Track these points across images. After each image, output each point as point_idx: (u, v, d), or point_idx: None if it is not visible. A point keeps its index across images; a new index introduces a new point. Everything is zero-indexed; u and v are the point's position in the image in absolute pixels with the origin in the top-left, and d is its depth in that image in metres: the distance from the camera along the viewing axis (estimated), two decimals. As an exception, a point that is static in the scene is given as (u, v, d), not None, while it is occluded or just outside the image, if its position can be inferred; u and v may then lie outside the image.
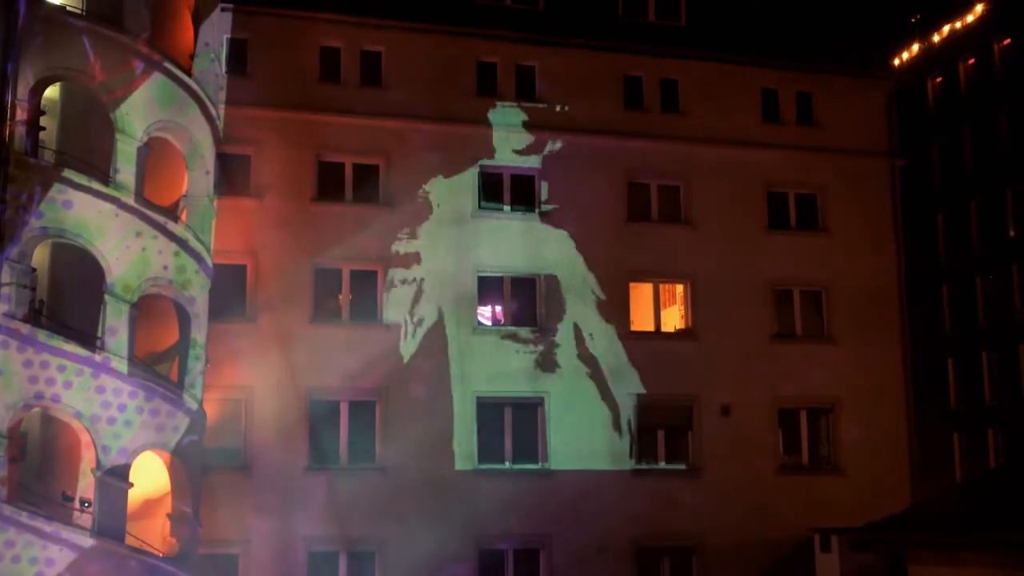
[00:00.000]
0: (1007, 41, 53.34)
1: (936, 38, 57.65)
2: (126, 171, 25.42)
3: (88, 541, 23.52)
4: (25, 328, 23.72)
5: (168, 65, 26.44)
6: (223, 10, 30.03)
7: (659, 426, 33.07)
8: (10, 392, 23.40)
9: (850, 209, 35.54)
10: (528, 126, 33.23)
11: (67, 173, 24.77)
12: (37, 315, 25.03)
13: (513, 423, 32.16)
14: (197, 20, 28.86)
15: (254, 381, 30.13)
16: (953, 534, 25.04)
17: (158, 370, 26.73)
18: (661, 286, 34.44)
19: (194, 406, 26.10)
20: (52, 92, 26.39)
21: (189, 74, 27.33)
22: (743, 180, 34.61)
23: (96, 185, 24.86)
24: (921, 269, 35.66)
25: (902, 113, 37.05)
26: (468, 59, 33.26)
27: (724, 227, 34.29)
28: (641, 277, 33.81)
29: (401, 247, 31.95)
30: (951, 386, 51.18)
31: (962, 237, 52.49)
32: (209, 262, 27.15)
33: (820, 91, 36.10)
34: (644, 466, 32.70)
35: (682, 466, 33.09)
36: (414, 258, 31.95)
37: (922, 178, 36.44)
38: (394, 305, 31.64)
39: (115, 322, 24.82)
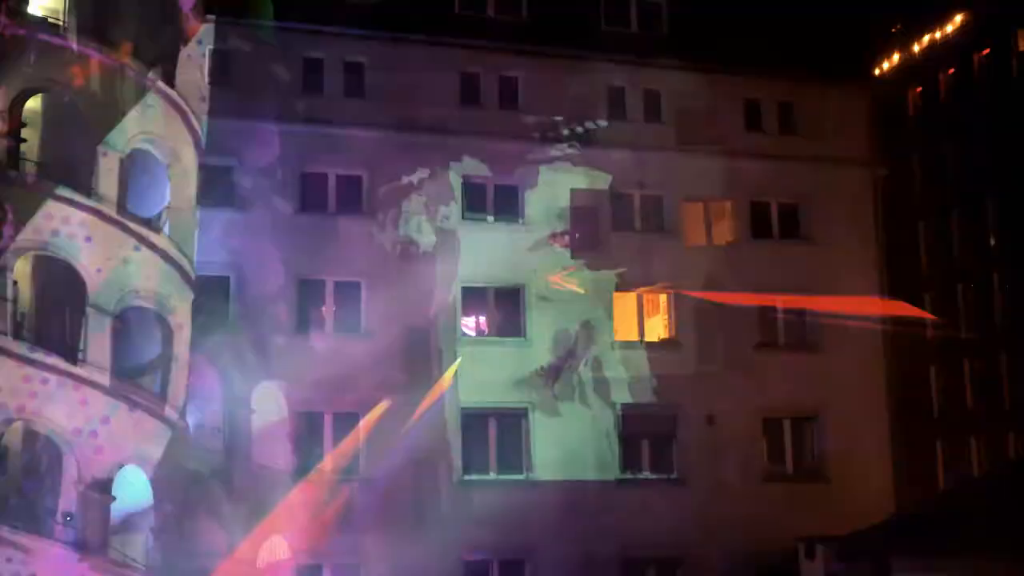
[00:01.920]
0: (986, 51, 53.79)
1: (916, 48, 58.11)
2: (108, 183, 25.60)
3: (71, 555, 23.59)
4: (6, 341, 23.80)
5: (151, 77, 26.64)
6: (207, 21, 30.24)
7: (644, 435, 33.40)
8: None
9: (832, 218, 35.94)
10: (511, 136, 33.53)
11: (48, 185, 24.90)
12: (19, 328, 25.09)
13: (497, 434, 32.56)
14: (181, 32, 29.05)
15: (237, 393, 30.25)
16: (935, 542, 25.36)
17: (141, 383, 26.67)
18: (644, 296, 34.70)
19: (177, 418, 26.22)
20: (34, 103, 26.44)
21: (172, 85, 27.48)
22: (726, 190, 35.12)
23: (78, 197, 25.00)
24: (903, 277, 36.04)
25: (883, 123, 37.48)
26: (451, 69, 33.66)
27: (707, 235, 34.96)
28: (624, 287, 34.10)
29: (384, 258, 32.28)
30: (934, 394, 51.56)
31: (943, 246, 52.93)
32: (192, 274, 27.32)
33: (801, 101, 36.54)
34: (629, 476, 33.05)
35: (667, 476, 33.45)
36: (397, 269, 32.26)
37: (903, 188, 36.75)
38: (377, 316, 31.94)
39: (97, 335, 24.96)
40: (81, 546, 23.88)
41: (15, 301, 25.16)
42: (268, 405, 30.55)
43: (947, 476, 49.93)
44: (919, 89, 56.01)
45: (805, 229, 35.95)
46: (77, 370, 24.31)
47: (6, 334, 24.08)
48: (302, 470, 30.70)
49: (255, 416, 30.41)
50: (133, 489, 25.96)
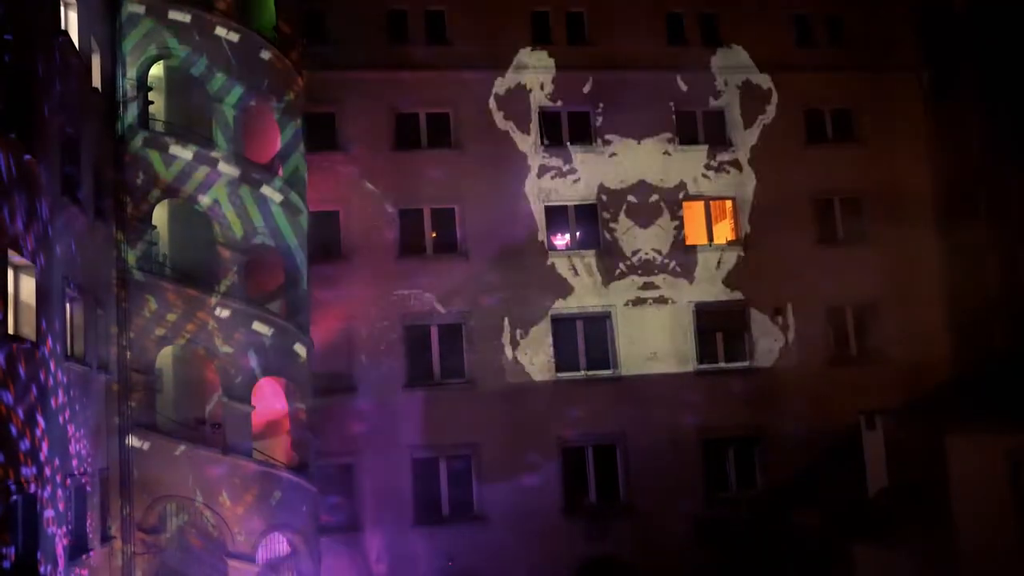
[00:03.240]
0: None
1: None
2: (225, 135, 28.26)
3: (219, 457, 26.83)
4: (153, 279, 27.02)
5: (254, 37, 29.07)
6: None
7: (717, 329, 35.31)
8: (146, 335, 26.84)
9: (884, 121, 37.39)
10: (579, 67, 35.65)
11: (174, 140, 27.76)
12: (161, 267, 28.26)
13: (585, 335, 34.66)
14: None
15: (353, 312, 32.83)
16: (985, 406, 27.09)
17: (269, 307, 29.40)
18: (711, 203, 36.50)
19: (303, 337, 28.87)
20: (156, 70, 29.15)
21: (274, 43, 29.77)
22: (781, 100, 36.86)
23: (201, 149, 27.77)
24: (955, 174, 37.11)
25: (932, 29, 38.41)
26: (523, 10, 35.61)
27: (766, 145, 36.43)
28: (692, 196, 35.95)
29: (475, 186, 34.45)
30: (989, 279, 51.38)
31: (995, 141, 52.61)
32: (305, 211, 29.80)
33: (849, 13, 37.71)
34: (705, 366, 35.08)
35: (740, 364, 35.36)
36: (486, 194, 34.42)
37: (952, 89, 37.79)
38: (471, 237, 34.23)
39: (228, 268, 27.76)
40: (228, 449, 26.92)
41: (155, 243, 28.44)
42: (381, 321, 33.11)
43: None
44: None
45: (858, 133, 37.42)
46: (212, 300, 27.21)
47: (152, 272, 27.33)
48: (415, 376, 33.30)
49: (370, 331, 33.02)
50: (272, 399, 29.26)
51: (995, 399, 26.78)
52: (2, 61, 17.17)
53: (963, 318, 36.02)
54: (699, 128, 36.69)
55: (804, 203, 36.61)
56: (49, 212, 19.87)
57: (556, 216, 35.34)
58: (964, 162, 36.75)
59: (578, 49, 36.01)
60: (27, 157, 18.23)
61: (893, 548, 26.55)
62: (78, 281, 22.39)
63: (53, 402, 19.64)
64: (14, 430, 16.92)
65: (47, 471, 18.91)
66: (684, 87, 36.50)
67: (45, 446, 18.76)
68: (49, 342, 19.49)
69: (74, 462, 21.34)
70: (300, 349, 28.87)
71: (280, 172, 30.03)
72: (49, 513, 19.02)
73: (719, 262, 35.79)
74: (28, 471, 17.61)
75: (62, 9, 22.51)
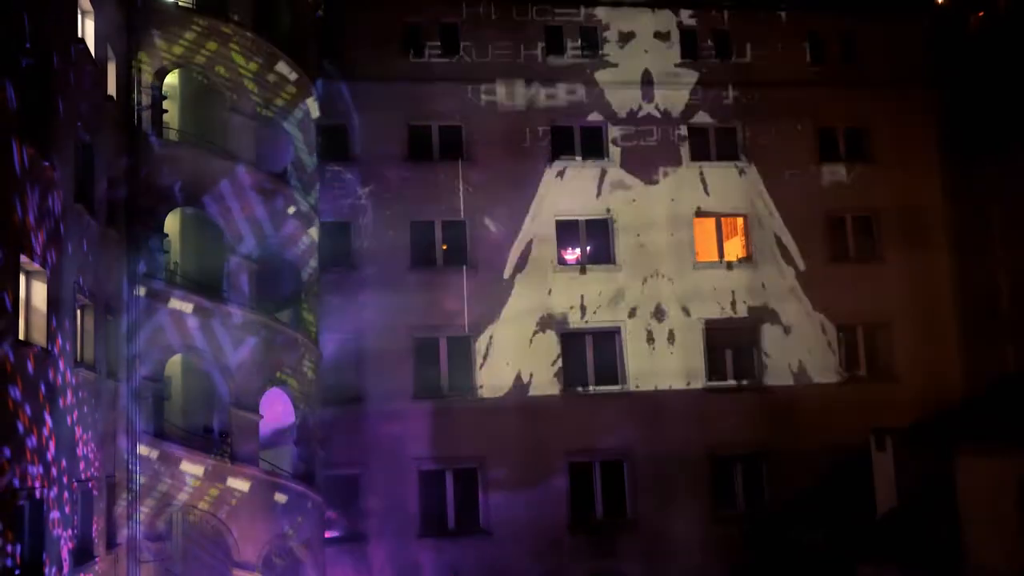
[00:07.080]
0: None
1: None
2: (239, 144, 28.13)
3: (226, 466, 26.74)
4: (164, 287, 26.91)
5: (269, 47, 28.89)
6: (314, -7, 32.21)
7: (726, 346, 35.32)
8: (156, 343, 26.73)
9: (896, 140, 37.40)
10: (587, 80, 35.68)
11: (187, 148, 27.81)
12: (172, 275, 28.19)
13: (594, 350, 34.66)
14: (293, 3, 31.32)
15: (363, 323, 32.90)
16: (996, 428, 27.00)
17: (278, 317, 29.33)
18: (723, 220, 36.43)
19: (312, 347, 28.90)
20: (172, 79, 29.07)
21: (289, 54, 29.55)
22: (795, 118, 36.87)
23: (214, 157, 27.71)
24: (966, 190, 37.06)
25: (945, 49, 38.47)
26: (537, 24, 35.59)
27: (779, 162, 36.38)
28: (704, 213, 35.91)
29: (485, 199, 34.44)
30: (1002, 299, 51.39)
31: (1008, 160, 52.64)
32: (317, 221, 29.82)
33: (862, 32, 37.69)
34: (714, 383, 35.04)
35: (749, 381, 35.36)
36: (497, 208, 34.44)
37: (965, 108, 37.67)
38: (482, 251, 34.23)
39: (238, 277, 27.63)
40: (235, 458, 26.81)
41: (167, 252, 28.36)
42: (390, 332, 33.09)
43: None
44: (980, 13, 55.31)
45: (871, 151, 37.36)
46: (223, 308, 27.05)
47: (163, 280, 27.28)
48: (423, 388, 33.29)
49: (379, 342, 32.95)
50: (279, 408, 28.93)
51: (1006, 421, 26.54)
52: (19, 68, 17.17)
53: (975, 338, 35.98)
54: (710, 146, 36.69)
55: (816, 220, 36.54)
56: (62, 218, 19.87)
57: (567, 231, 35.34)
58: (977, 181, 36.70)
59: (591, 60, 36.08)
60: (43, 163, 18.25)
61: (900, 570, 26.39)
62: (89, 287, 22.37)
63: (61, 403, 19.62)
64: (20, 427, 16.91)
65: (53, 471, 18.90)
66: (701, 104, 36.55)
67: (52, 446, 18.75)
68: (59, 346, 19.48)
69: (81, 465, 21.32)
70: (309, 359, 28.83)
71: (293, 182, 30.03)
72: (55, 515, 19.00)
73: (729, 278, 35.78)
74: (34, 469, 17.61)
75: (79, 17, 22.52)
